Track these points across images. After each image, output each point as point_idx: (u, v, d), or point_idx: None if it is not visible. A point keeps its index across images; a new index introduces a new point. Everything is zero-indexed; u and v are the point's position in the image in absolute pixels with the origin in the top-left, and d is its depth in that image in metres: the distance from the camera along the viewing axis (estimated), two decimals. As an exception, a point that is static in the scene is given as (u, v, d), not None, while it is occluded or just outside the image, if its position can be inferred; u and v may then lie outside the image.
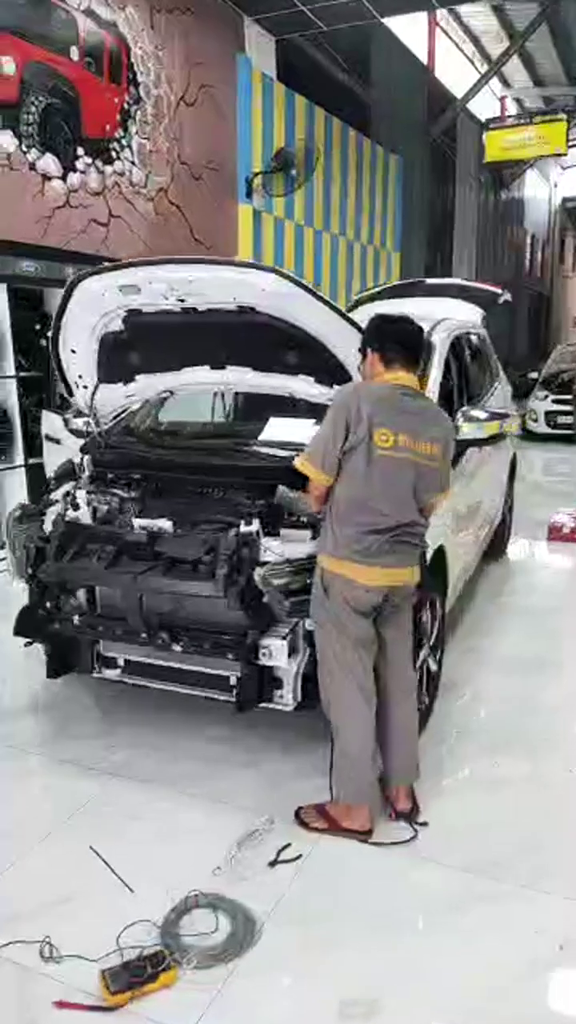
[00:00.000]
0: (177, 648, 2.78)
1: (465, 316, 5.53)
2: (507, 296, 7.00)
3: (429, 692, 3.29)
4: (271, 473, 2.96)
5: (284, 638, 2.63)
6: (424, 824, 2.60)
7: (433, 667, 3.36)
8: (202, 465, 3.20)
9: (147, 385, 3.43)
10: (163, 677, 2.98)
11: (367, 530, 2.39)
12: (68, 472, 3.50)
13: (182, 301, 2.90)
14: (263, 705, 2.81)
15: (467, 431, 3.56)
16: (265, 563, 2.65)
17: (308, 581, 2.59)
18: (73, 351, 3.28)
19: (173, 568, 2.69)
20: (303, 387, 3.11)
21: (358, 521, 2.39)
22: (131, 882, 2.33)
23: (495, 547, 5.55)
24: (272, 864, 2.41)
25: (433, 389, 3.63)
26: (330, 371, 2.97)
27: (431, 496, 2.54)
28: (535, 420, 12.32)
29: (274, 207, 9.01)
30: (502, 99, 19.62)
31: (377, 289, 6.78)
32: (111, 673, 3.08)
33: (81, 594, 3.01)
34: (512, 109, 18.71)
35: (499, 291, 6.48)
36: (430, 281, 6.92)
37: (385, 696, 2.60)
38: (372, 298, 6.52)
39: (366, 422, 2.35)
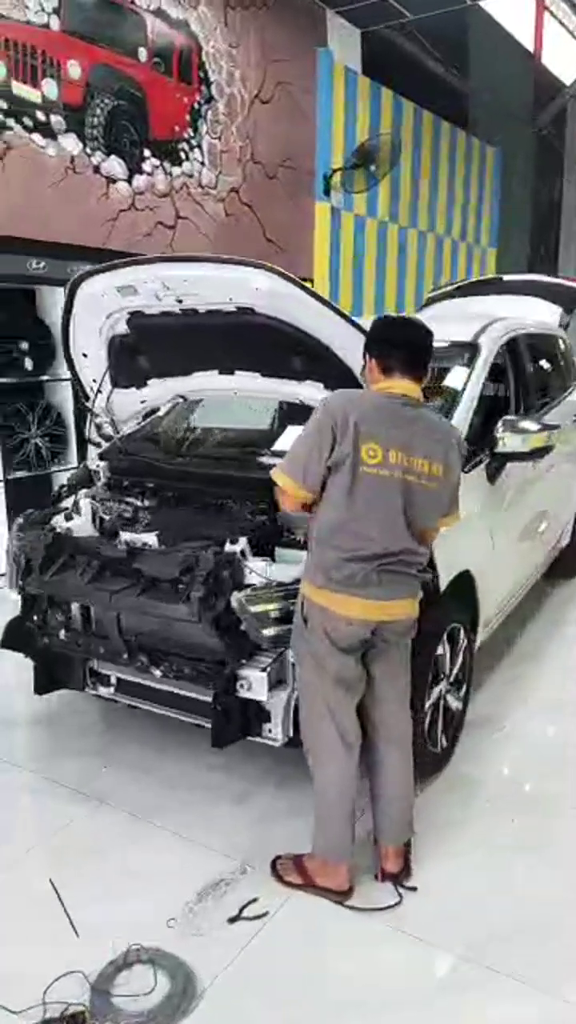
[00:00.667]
0: (157, 672, 2.62)
1: (540, 316, 5.14)
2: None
3: (447, 734, 2.97)
4: (258, 485, 2.74)
5: (264, 670, 2.41)
6: (413, 889, 2.32)
7: (455, 705, 3.04)
8: (209, 476, 3.04)
9: (160, 390, 3.29)
10: (154, 699, 2.81)
11: (349, 556, 2.12)
12: (84, 479, 3.41)
13: (180, 302, 2.74)
14: (253, 739, 2.60)
15: (508, 443, 3.22)
16: (249, 586, 2.44)
17: (291, 607, 2.36)
18: (84, 355, 3.20)
19: (152, 587, 2.52)
20: (313, 393, 2.87)
21: (339, 545, 2.13)
22: (82, 924, 2.18)
23: (563, 568, 5.11)
24: (232, 920, 2.20)
25: (472, 395, 3.32)
26: (339, 376, 2.71)
27: (431, 521, 2.25)
28: None
29: (354, 204, 8.76)
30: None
31: (451, 287, 6.43)
32: (104, 691, 2.94)
33: (75, 608, 2.89)
34: None
35: (582, 288, 6.00)
36: (508, 278, 6.48)
37: (374, 742, 2.34)
38: (446, 296, 6.20)
39: (352, 434, 2.08)
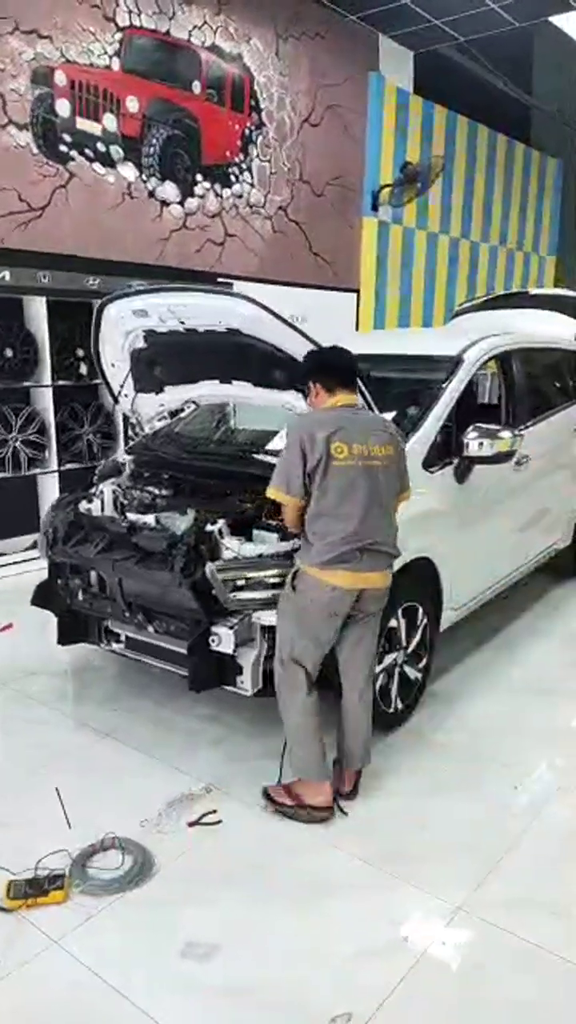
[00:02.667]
0: (150, 629, 3.18)
1: (557, 330, 5.46)
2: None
3: (403, 697, 3.42)
4: (257, 480, 3.28)
5: (232, 628, 2.93)
6: (344, 814, 2.79)
7: (413, 675, 3.48)
8: (212, 470, 3.58)
9: (175, 395, 3.85)
10: (155, 654, 3.37)
11: (339, 538, 2.64)
12: (114, 469, 4.00)
13: (183, 323, 3.28)
14: (228, 688, 3.12)
15: (474, 447, 3.63)
16: (222, 559, 2.97)
17: (256, 578, 2.88)
18: (113, 365, 3.78)
19: (147, 557, 3.08)
20: (294, 401, 3.37)
21: (331, 531, 2.65)
22: (75, 819, 2.74)
23: (567, 568, 5.42)
24: (192, 824, 2.73)
25: (448, 402, 3.73)
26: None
27: (394, 498, 2.78)
28: None
29: (404, 217, 9.16)
30: None
31: (479, 300, 6.79)
32: (117, 647, 3.52)
33: (93, 575, 3.48)
34: None
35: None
36: (534, 292, 6.79)
37: (343, 687, 2.87)
38: (473, 309, 6.57)
39: (321, 443, 2.62)
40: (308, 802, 2.80)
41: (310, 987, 2.09)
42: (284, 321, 2.94)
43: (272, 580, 2.88)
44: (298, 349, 3.00)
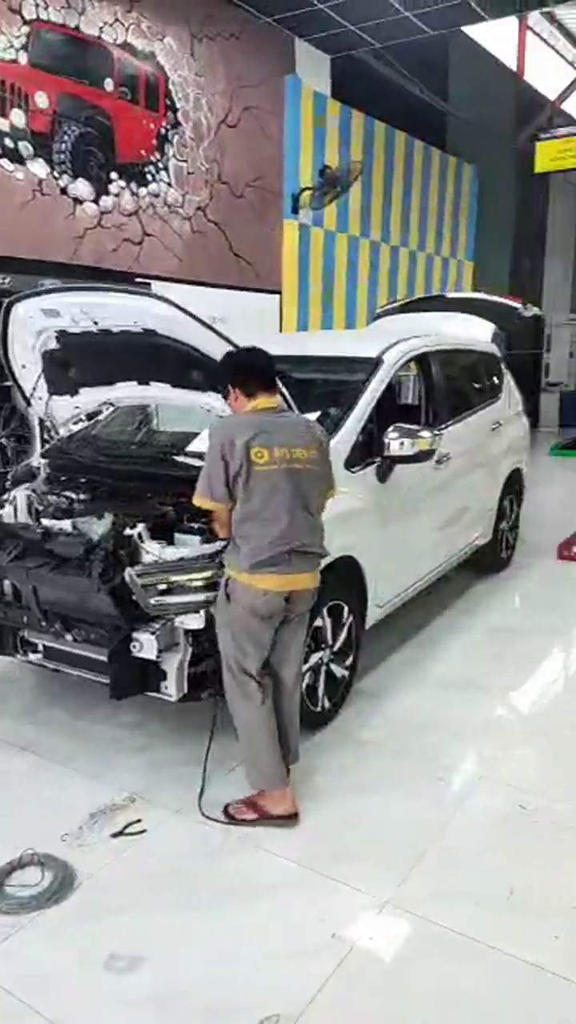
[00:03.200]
0: (68, 637, 3.09)
1: (475, 332, 5.59)
2: (535, 310, 6.95)
3: (330, 695, 3.43)
4: (177, 482, 3.24)
5: (153, 633, 2.87)
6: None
7: (340, 673, 3.49)
8: (131, 473, 3.50)
9: (90, 397, 3.75)
10: (73, 663, 3.27)
11: (267, 542, 2.62)
12: (28, 474, 3.88)
13: (96, 323, 3.21)
14: (152, 695, 3.05)
15: (394, 447, 3.67)
16: (140, 563, 2.90)
17: (179, 582, 2.84)
18: (23, 366, 3.66)
19: (63, 564, 2.99)
20: (213, 402, 3.34)
21: (256, 534, 2.63)
22: (-7, 838, 2.64)
23: (487, 564, 5.56)
24: (115, 835, 2.66)
25: (368, 403, 3.77)
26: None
27: (319, 497, 2.78)
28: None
29: (324, 220, 9.23)
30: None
31: (399, 303, 6.89)
32: (34, 657, 3.40)
33: (7, 584, 3.35)
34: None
35: (517, 305, 6.47)
36: (451, 295, 6.97)
37: (275, 688, 2.84)
38: (393, 312, 6.66)
39: (240, 448, 2.60)
40: (273, 812, 2.77)
41: (238, 990, 2.06)
42: (200, 322, 2.91)
43: (196, 584, 2.84)
44: (216, 350, 2.97)
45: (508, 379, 5.99)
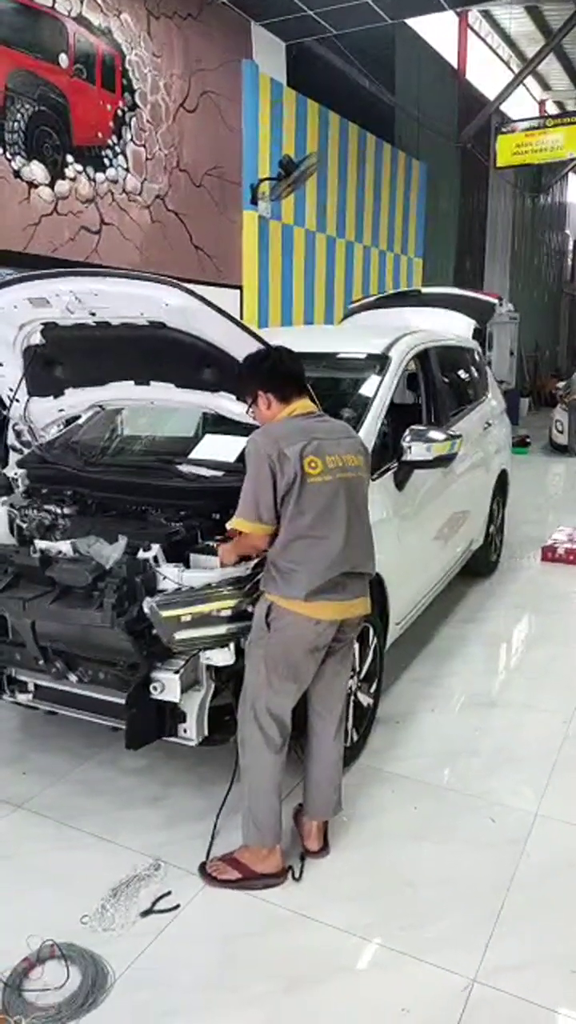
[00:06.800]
0: (72, 678, 2.68)
1: (455, 328, 5.36)
2: (508, 306, 6.77)
3: (358, 727, 3.11)
4: (185, 495, 2.88)
5: (177, 672, 2.49)
6: (296, 879, 2.45)
7: (366, 701, 3.18)
8: (127, 484, 3.11)
9: (77, 399, 3.33)
10: (71, 703, 2.85)
11: (323, 566, 2.29)
12: (4, 487, 3.42)
13: (93, 315, 2.80)
14: (169, 739, 2.67)
15: (414, 451, 3.38)
16: (161, 591, 2.52)
17: (206, 612, 2.46)
18: (1, 364, 3.21)
19: (66, 594, 2.58)
20: (225, 404, 2.98)
21: (311, 556, 2.29)
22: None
23: (479, 569, 5.35)
24: (145, 914, 2.28)
25: (382, 403, 3.48)
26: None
27: (367, 511, 2.47)
28: (561, 431, 11.95)
29: (282, 214, 8.90)
30: (541, 103, 19.24)
31: (371, 299, 6.62)
32: (23, 697, 2.96)
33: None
34: (554, 112, 18.25)
35: (495, 301, 6.29)
36: (425, 290, 6.71)
37: (314, 727, 2.53)
38: (366, 308, 6.38)
39: (294, 459, 2.26)
40: (259, 871, 2.42)
41: None
42: (224, 314, 2.54)
43: (225, 613, 2.47)
44: (237, 347, 2.61)
45: (490, 376, 5.81)
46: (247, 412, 2.63)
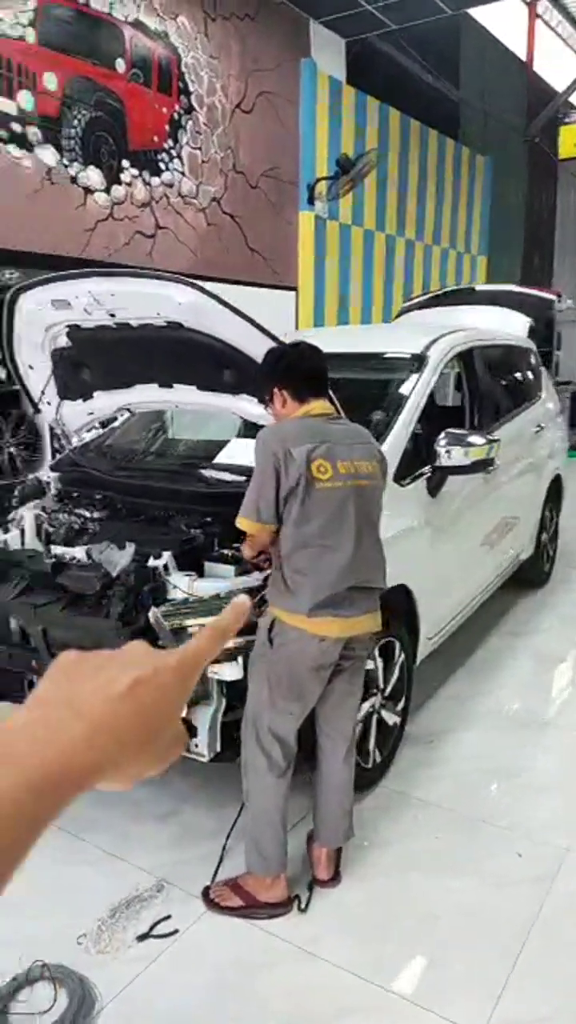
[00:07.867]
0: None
1: (510, 326, 5.15)
2: (568, 302, 6.49)
3: (381, 747, 2.97)
4: (205, 500, 2.81)
5: (184, 685, 2.41)
6: (302, 911, 2.32)
7: (392, 720, 3.04)
8: (151, 488, 3.06)
9: (106, 402, 3.30)
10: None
11: (330, 578, 2.18)
12: (36, 491, 3.42)
13: (113, 316, 2.75)
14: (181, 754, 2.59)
15: (449, 456, 3.21)
16: (168, 601, 2.44)
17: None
18: (31, 367, 3.21)
19: (76, 602, 2.53)
20: (247, 407, 2.89)
21: (317, 568, 2.19)
22: (-8, 940, 2.18)
23: (529, 579, 5.10)
24: (142, 938, 2.20)
25: (416, 404, 3.32)
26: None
27: (379, 519, 2.34)
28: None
29: (340, 213, 8.77)
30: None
31: (424, 297, 6.44)
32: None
33: (13, 623, 2.89)
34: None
35: (552, 297, 6.02)
36: (480, 288, 6.51)
37: (324, 749, 2.42)
38: (419, 306, 6.21)
39: (301, 460, 2.16)
40: (262, 900, 2.32)
41: None
42: (233, 310, 2.44)
43: (233, 626, 2.37)
44: (253, 346, 2.52)
45: (545, 377, 5.54)
46: (266, 411, 2.53)
